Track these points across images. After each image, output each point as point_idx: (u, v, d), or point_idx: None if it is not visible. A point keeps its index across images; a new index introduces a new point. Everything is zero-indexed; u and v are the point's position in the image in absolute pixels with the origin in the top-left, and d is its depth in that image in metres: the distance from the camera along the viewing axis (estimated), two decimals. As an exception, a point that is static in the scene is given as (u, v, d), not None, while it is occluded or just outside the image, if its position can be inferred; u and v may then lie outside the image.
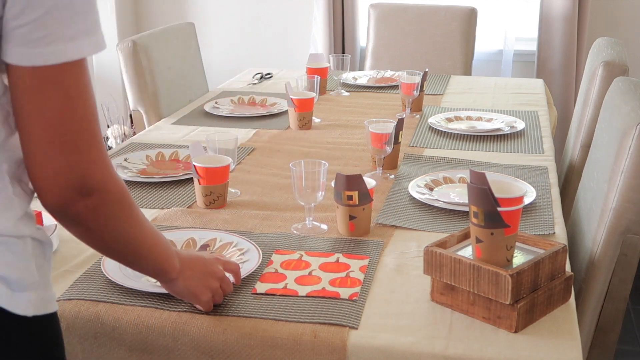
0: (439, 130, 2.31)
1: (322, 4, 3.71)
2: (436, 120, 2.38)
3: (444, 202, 1.71)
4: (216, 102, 2.63)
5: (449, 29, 3.45)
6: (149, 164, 2.02)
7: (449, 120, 2.40)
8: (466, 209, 1.65)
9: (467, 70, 3.45)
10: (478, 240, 1.23)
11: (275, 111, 2.52)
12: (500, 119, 2.40)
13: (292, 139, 2.24)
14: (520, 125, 2.32)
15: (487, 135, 2.25)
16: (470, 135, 2.26)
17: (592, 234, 1.58)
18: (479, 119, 2.42)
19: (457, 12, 3.45)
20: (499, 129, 2.28)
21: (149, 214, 1.68)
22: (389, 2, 3.57)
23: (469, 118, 2.42)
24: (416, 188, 1.78)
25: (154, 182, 1.88)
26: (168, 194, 1.80)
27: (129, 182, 1.85)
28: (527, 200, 1.68)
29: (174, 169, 1.98)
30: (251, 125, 2.40)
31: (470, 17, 3.44)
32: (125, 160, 2.02)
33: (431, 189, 1.80)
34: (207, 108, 2.56)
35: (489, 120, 2.40)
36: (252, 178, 1.92)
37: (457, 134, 2.27)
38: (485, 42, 3.72)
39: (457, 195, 1.76)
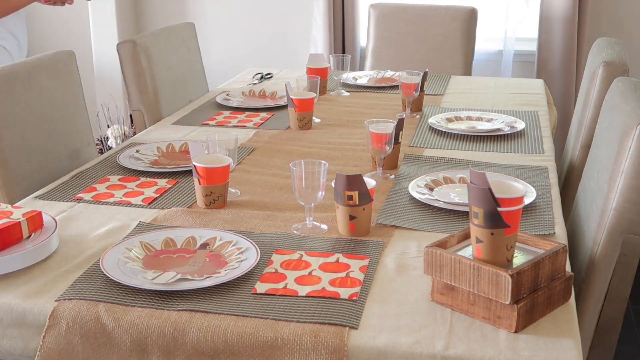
0: (439, 130, 2.31)
1: (322, 4, 3.71)
2: (436, 120, 2.38)
3: (444, 202, 1.71)
4: (227, 94, 2.73)
5: (449, 29, 3.45)
6: (160, 155, 2.09)
7: (449, 120, 2.40)
8: (466, 209, 1.65)
9: (467, 70, 3.45)
10: (478, 240, 1.23)
11: (284, 103, 2.60)
12: (500, 119, 2.40)
13: (292, 139, 2.24)
14: (520, 125, 2.32)
15: (487, 136, 2.25)
16: (470, 135, 2.26)
17: (592, 234, 1.58)
18: (479, 119, 2.42)
19: (457, 12, 3.45)
20: (499, 129, 2.28)
21: (149, 213, 1.69)
22: (389, 2, 3.57)
23: (469, 118, 2.42)
24: (416, 188, 1.78)
25: (167, 172, 1.94)
26: (168, 194, 1.80)
27: (141, 172, 1.94)
28: (527, 201, 1.68)
29: (185, 160, 2.03)
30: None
31: (470, 17, 3.44)
32: (138, 152, 2.08)
33: (431, 189, 1.80)
34: (219, 100, 2.67)
35: (489, 120, 2.40)
36: (252, 178, 1.92)
37: (457, 134, 2.27)
38: (485, 42, 3.72)
39: (457, 195, 1.76)
